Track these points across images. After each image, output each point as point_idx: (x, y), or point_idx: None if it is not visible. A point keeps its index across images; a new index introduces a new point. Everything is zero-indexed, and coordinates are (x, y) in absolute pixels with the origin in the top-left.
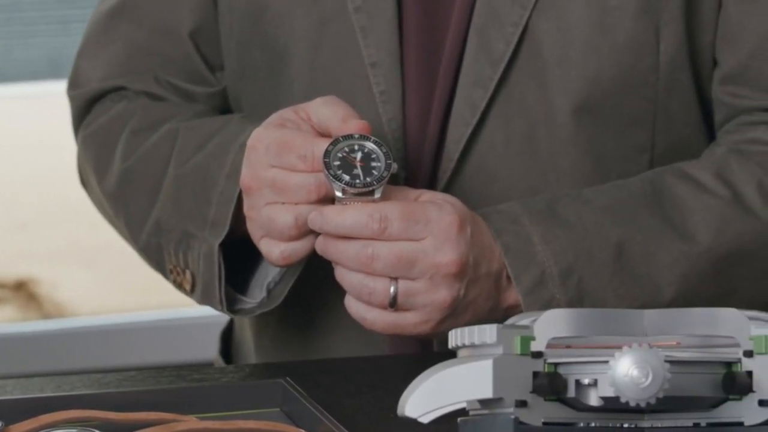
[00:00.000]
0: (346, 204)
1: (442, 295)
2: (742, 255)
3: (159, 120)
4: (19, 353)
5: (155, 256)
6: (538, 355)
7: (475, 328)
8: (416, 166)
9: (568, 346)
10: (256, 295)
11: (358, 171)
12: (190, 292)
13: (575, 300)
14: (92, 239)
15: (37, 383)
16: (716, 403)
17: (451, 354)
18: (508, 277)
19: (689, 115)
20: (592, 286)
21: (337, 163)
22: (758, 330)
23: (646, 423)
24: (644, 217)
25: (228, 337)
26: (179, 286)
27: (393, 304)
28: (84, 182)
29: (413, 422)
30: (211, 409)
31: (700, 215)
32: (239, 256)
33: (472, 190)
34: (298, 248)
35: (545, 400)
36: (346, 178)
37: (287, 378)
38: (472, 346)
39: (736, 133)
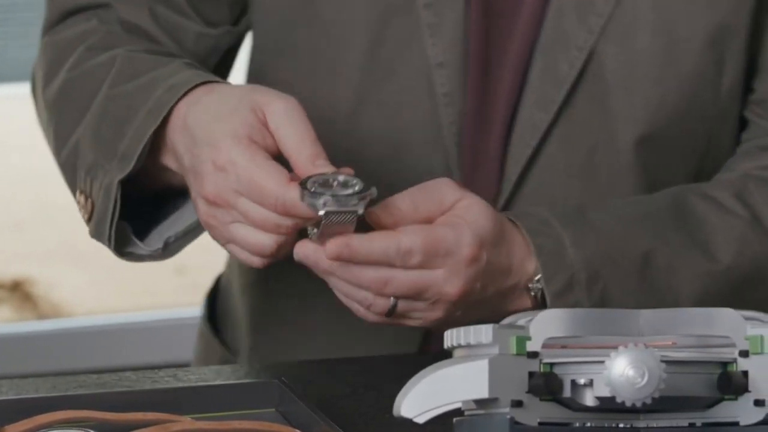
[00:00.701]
0: (327, 224)
1: (438, 314)
2: (759, 277)
3: (115, 44)
4: (14, 353)
5: (70, 176)
6: (533, 355)
7: (471, 328)
8: (474, 182)
9: (564, 346)
10: (152, 243)
11: (337, 188)
12: (87, 222)
13: (598, 306)
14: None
15: (33, 383)
16: (712, 403)
17: (447, 354)
18: (527, 287)
19: (733, 143)
20: (615, 294)
21: (313, 188)
22: (754, 330)
23: (641, 423)
24: (669, 231)
25: (213, 302)
26: (82, 213)
27: (389, 315)
28: (33, 89)
29: (409, 422)
30: (207, 409)
31: (721, 234)
32: (152, 200)
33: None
34: (279, 257)
35: (541, 400)
36: (327, 195)
37: (283, 378)
38: (468, 346)
39: (752, 157)
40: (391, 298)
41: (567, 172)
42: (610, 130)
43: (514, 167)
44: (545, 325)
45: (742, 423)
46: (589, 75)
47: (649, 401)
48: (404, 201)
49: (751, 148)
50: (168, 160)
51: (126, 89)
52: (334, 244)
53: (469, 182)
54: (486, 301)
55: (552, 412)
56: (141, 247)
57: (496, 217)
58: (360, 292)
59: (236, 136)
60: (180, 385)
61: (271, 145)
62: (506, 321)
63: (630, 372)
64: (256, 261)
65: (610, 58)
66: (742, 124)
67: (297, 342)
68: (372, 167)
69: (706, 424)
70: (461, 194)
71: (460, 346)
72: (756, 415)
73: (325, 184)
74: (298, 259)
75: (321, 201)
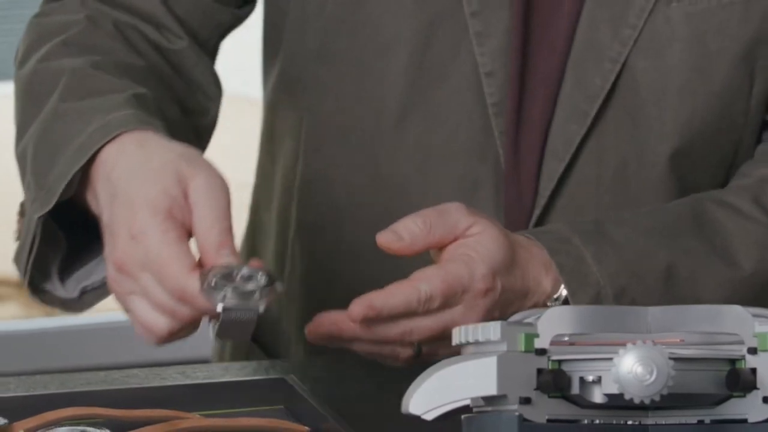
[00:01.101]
0: (225, 319)
1: (457, 348)
2: None
3: (93, 44)
4: (22, 351)
5: (21, 175)
6: (542, 352)
7: (480, 325)
8: (512, 194)
9: (572, 343)
10: (69, 288)
11: (239, 284)
12: (16, 240)
13: None
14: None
15: (41, 380)
16: (720, 400)
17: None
18: (545, 306)
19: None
20: None
21: (213, 282)
22: (762, 327)
23: (650, 420)
24: (688, 241)
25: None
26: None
27: (414, 360)
28: (16, 60)
29: (417, 419)
30: (215, 406)
31: (740, 240)
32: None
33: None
34: (172, 340)
35: (549, 397)
36: (228, 288)
37: (291, 375)
38: (476, 343)
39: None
40: (415, 348)
41: (598, 185)
42: (641, 144)
43: (548, 181)
44: (553, 322)
45: (750, 420)
46: (622, 88)
47: (657, 398)
48: (418, 223)
49: (766, 152)
50: (91, 202)
51: (70, 110)
52: (357, 306)
53: (508, 194)
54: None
55: (560, 409)
56: (59, 289)
57: (507, 243)
58: (385, 348)
59: (154, 206)
60: (188, 382)
61: (188, 222)
62: (514, 318)
63: (638, 369)
64: (149, 338)
65: (642, 72)
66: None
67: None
68: (416, 177)
69: (714, 421)
70: (473, 219)
71: (468, 343)
72: (764, 412)
73: (228, 277)
74: (317, 338)
75: (220, 295)
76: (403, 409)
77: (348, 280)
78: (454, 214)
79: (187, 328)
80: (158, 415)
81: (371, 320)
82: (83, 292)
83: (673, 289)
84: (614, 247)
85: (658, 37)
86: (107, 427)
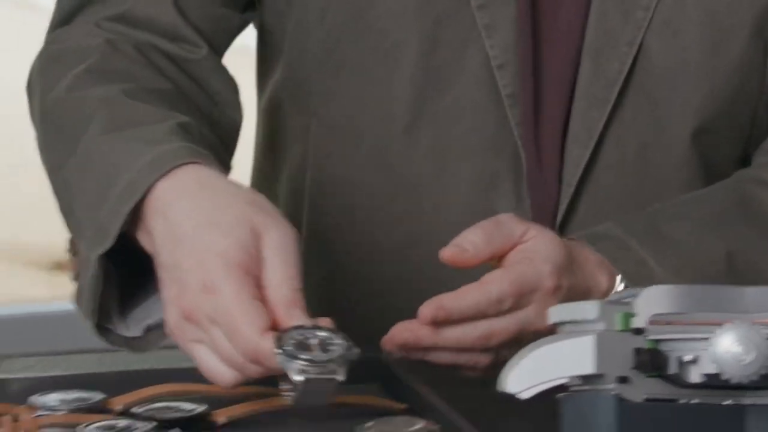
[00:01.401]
0: (305, 390)
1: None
2: None
3: (115, 74)
4: None
5: (62, 208)
6: (639, 331)
7: (577, 304)
8: (536, 188)
9: (670, 323)
10: (131, 327)
11: (317, 352)
12: (73, 280)
13: None
14: None
15: (138, 356)
16: None
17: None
18: None
19: None
20: None
21: (288, 348)
22: None
23: (747, 400)
24: (740, 228)
25: None
26: (70, 262)
27: (493, 367)
28: (30, 87)
29: (513, 398)
30: None
31: None
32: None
33: (589, 213)
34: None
35: (647, 376)
36: (305, 357)
37: (387, 353)
38: (573, 322)
39: None
40: (493, 354)
41: (621, 169)
42: (661, 125)
43: (573, 169)
44: (651, 302)
45: None
46: (639, 71)
47: (755, 378)
48: (477, 235)
49: None
50: (143, 240)
51: (114, 142)
52: (427, 308)
53: (532, 186)
54: None
55: (658, 388)
56: (121, 328)
57: (563, 243)
58: (463, 355)
59: (228, 260)
60: None
61: (260, 276)
62: (612, 297)
63: (736, 349)
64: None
65: (657, 53)
66: None
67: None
68: (432, 177)
69: None
70: (527, 226)
71: (565, 323)
72: None
73: (303, 345)
74: (394, 350)
75: (298, 366)
76: (500, 388)
77: (367, 282)
78: (508, 223)
79: (251, 379)
80: (255, 392)
81: (441, 323)
82: (147, 330)
83: (734, 279)
84: (672, 245)
85: (671, 17)
86: (204, 403)
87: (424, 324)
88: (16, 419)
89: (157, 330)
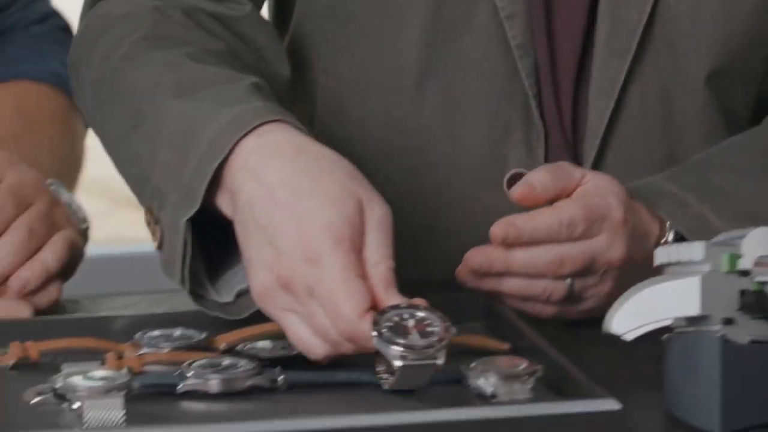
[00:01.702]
0: (403, 374)
1: (607, 286)
2: None
3: (171, 40)
4: None
5: (132, 184)
6: (745, 273)
7: (683, 245)
8: (554, 137)
9: None
10: (222, 292)
11: (415, 335)
12: (157, 248)
13: None
14: None
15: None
16: None
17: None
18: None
19: None
20: None
21: (386, 331)
22: None
23: None
24: None
25: None
26: (151, 235)
27: (568, 299)
28: (74, 65)
29: (617, 339)
30: None
31: None
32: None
33: (617, 163)
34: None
35: (752, 318)
36: (402, 342)
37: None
38: (679, 263)
39: None
40: (567, 284)
41: (644, 117)
42: (681, 71)
43: (598, 121)
44: (757, 243)
45: None
46: (658, 18)
47: None
48: (544, 175)
49: None
50: (222, 201)
51: (187, 106)
52: (498, 226)
53: (552, 136)
54: (637, 269)
55: (763, 330)
56: (213, 293)
57: (622, 185)
58: (538, 283)
59: (335, 233)
60: None
61: (360, 251)
62: (718, 239)
63: None
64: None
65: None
66: None
67: None
68: (444, 128)
69: None
70: (584, 170)
71: (670, 264)
72: None
73: (400, 327)
74: (467, 277)
75: (396, 353)
76: (605, 329)
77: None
78: (568, 167)
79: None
80: None
81: (512, 243)
82: (239, 295)
83: None
84: (726, 198)
85: None
86: None
87: (495, 243)
88: (120, 356)
89: (248, 295)
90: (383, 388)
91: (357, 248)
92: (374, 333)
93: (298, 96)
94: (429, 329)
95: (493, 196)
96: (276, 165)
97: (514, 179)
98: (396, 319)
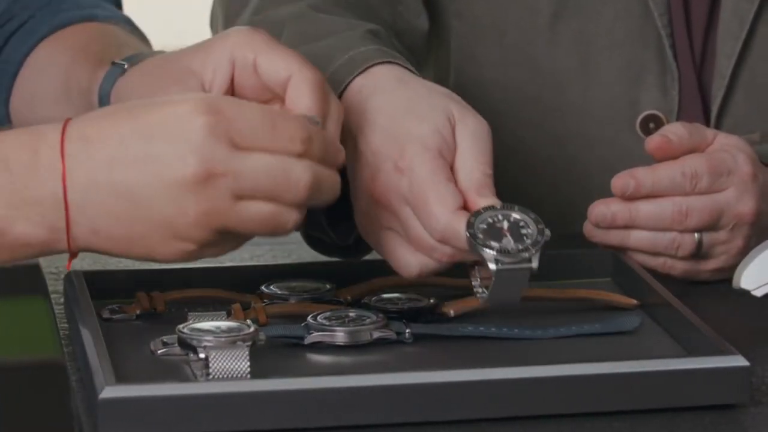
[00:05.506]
0: (498, 279)
1: (738, 243)
2: None
3: None
4: None
5: None
6: None
7: None
8: (686, 78)
9: None
10: (341, 234)
11: (509, 239)
12: None
13: None
14: None
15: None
16: None
17: None
18: None
19: None
20: None
21: (480, 234)
22: None
23: None
24: None
25: None
26: None
27: (697, 254)
28: (214, 24)
29: (746, 295)
30: (546, 277)
31: None
32: None
33: (745, 104)
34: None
35: None
36: (497, 246)
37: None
38: None
39: None
40: (695, 238)
41: None
42: None
43: (726, 61)
44: None
45: None
46: None
47: None
48: (680, 128)
49: None
50: None
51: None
52: (618, 179)
53: (684, 77)
54: (765, 228)
55: None
56: (332, 237)
57: (751, 145)
58: (664, 236)
59: (425, 143)
60: None
61: (452, 161)
62: None
63: None
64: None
65: None
66: None
67: None
68: (578, 70)
69: None
70: (715, 131)
71: None
72: None
73: (494, 229)
74: (592, 232)
75: (490, 255)
76: (734, 284)
77: (513, 184)
78: (701, 126)
79: (436, 269)
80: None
81: (633, 195)
82: (358, 239)
83: None
84: None
85: None
86: (433, 297)
87: (616, 194)
88: (246, 307)
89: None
90: (480, 303)
91: (446, 158)
92: (467, 234)
93: (433, 44)
94: (523, 230)
95: (627, 138)
96: (378, 97)
97: (648, 121)
98: (490, 220)
